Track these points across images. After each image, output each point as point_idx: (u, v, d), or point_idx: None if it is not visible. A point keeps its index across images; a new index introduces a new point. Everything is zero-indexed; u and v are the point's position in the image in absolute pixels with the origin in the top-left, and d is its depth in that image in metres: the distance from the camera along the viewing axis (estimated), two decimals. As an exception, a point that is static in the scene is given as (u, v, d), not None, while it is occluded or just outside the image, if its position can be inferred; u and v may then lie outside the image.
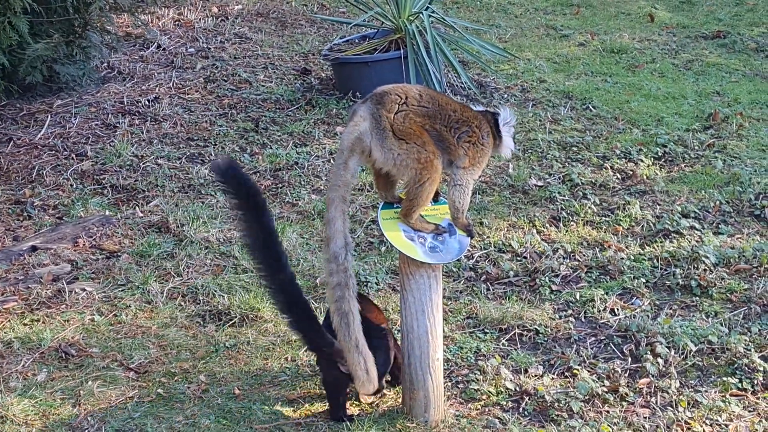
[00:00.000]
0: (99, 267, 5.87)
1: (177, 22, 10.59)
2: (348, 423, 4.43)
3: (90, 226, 6.28)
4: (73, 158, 7.33)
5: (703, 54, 10.14)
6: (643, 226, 6.34)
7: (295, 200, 6.75)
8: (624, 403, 4.61)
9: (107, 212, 6.53)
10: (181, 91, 8.70)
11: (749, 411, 4.53)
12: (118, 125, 7.92)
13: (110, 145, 7.51)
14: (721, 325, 5.21)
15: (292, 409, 4.57)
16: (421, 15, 8.47)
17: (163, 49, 9.76)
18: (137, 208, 6.62)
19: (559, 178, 7.04)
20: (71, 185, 6.92)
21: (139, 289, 5.62)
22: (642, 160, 7.28)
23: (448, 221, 4.44)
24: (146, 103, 8.38)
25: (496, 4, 11.83)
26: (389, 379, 4.69)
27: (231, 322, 5.29)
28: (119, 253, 6.01)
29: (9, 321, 5.29)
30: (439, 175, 4.36)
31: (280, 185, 6.98)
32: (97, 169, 7.17)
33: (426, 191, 4.31)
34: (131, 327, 5.27)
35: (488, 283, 5.77)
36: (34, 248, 6.03)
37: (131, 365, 4.91)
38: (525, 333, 5.26)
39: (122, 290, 5.63)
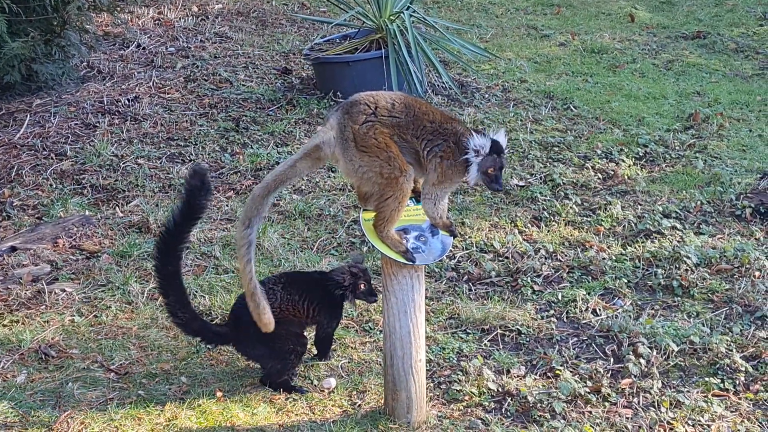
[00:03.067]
0: (79, 267, 5.83)
1: (157, 21, 10.54)
2: (329, 424, 4.41)
3: (70, 226, 6.23)
4: (52, 158, 7.28)
5: (683, 54, 10.17)
6: (624, 226, 6.34)
7: (276, 200, 6.72)
8: (606, 404, 4.61)
9: (87, 212, 6.48)
10: (161, 90, 8.66)
11: (731, 411, 4.53)
12: (97, 125, 7.87)
13: (90, 145, 7.46)
14: (703, 325, 5.21)
15: (274, 410, 4.54)
16: (402, 15, 8.45)
17: (143, 48, 9.71)
18: (117, 208, 6.58)
19: (541, 178, 7.04)
20: (51, 185, 6.88)
21: (119, 290, 5.58)
22: (623, 160, 7.29)
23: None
24: (126, 102, 8.33)
25: (477, 3, 11.83)
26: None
27: (212, 322, 5.26)
28: (99, 254, 5.97)
29: (-12, 322, 5.25)
30: (406, 192, 4.22)
31: (261, 185, 6.94)
32: (77, 168, 7.13)
33: (390, 208, 4.21)
34: (112, 328, 5.23)
35: (470, 284, 5.76)
36: (13, 248, 5.98)
37: (112, 366, 4.87)
38: (507, 333, 5.25)
39: (102, 291, 5.59)
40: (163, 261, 4.61)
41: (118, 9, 9.05)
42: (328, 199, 6.71)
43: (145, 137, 7.71)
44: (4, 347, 5.01)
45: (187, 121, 8.04)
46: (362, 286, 4.79)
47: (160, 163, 7.28)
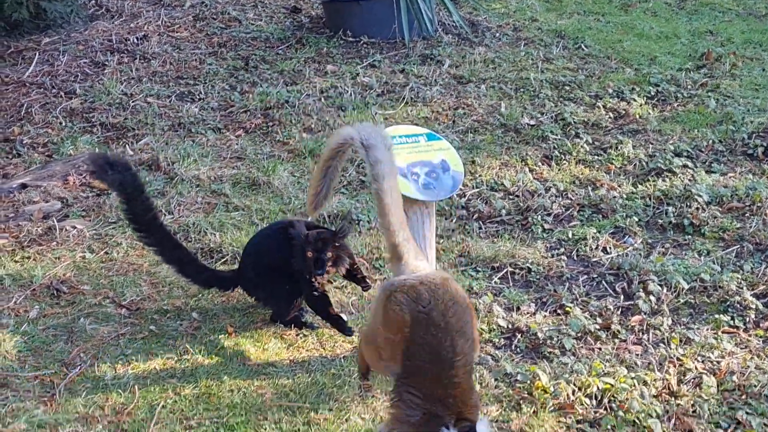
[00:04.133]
0: (89, 205, 5.84)
1: (165, -40, 10.46)
2: (339, 359, 4.42)
3: (80, 164, 6.23)
4: (61, 96, 7.26)
5: (696, -7, 10.08)
6: (635, 165, 6.32)
7: (286, 139, 6.71)
8: (616, 340, 4.61)
9: (97, 150, 6.47)
10: (170, 29, 8.62)
11: (741, 348, 4.54)
12: (106, 63, 7.85)
13: (99, 83, 7.44)
14: (714, 263, 5.21)
15: (285, 346, 4.56)
16: (413, -48, 8.36)
17: (152, -14, 9.66)
18: (127, 146, 6.57)
19: (552, 117, 7.01)
20: (60, 123, 6.87)
21: (130, 227, 5.57)
22: (635, 100, 7.25)
23: (443, 158, 4.40)
24: (135, 41, 8.30)
25: (488, -58, 11.71)
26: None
27: (223, 260, 5.27)
28: (109, 191, 5.97)
29: (0, 258, 5.25)
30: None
31: (271, 124, 6.93)
32: (86, 107, 7.11)
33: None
34: (123, 264, 5.25)
35: (480, 222, 5.75)
36: (23, 186, 5.99)
37: (123, 302, 4.89)
38: (517, 271, 5.25)
39: (113, 228, 5.60)
40: (149, 237, 4.69)
41: (127, -54, 9.00)
42: (338, 138, 6.68)
43: (155, 76, 7.68)
44: (16, 283, 5.02)
45: (196, 59, 8.01)
46: (309, 254, 4.42)
47: (170, 101, 7.26)
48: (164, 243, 4.72)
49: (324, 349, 4.55)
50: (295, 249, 4.47)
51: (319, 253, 4.41)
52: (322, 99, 7.34)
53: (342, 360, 4.44)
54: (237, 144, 6.65)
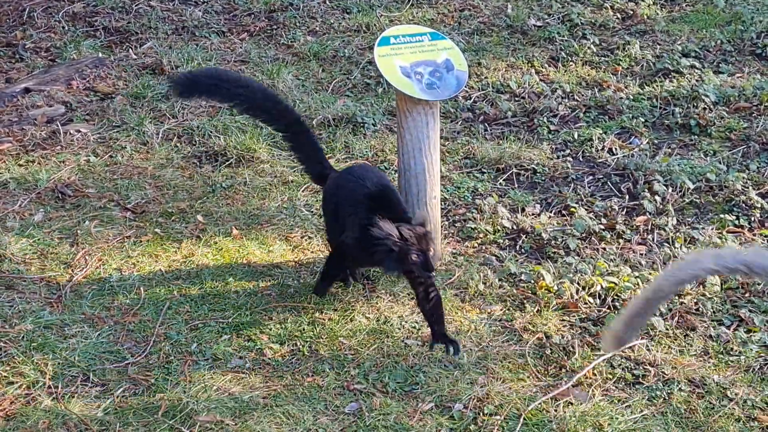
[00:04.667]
0: (93, 109, 5.81)
1: None
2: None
3: (83, 68, 6.20)
4: (64, 0, 7.19)
5: None
6: (642, 66, 6.26)
7: (291, 42, 6.66)
8: (621, 240, 4.61)
9: (100, 54, 6.44)
10: (172, -69, 8.50)
11: (746, 247, 4.53)
12: (109, -34, 7.76)
13: (101, -13, 7.37)
14: (720, 163, 5.18)
15: (290, 248, 4.57)
16: None
17: None
18: (130, 50, 6.53)
19: (559, 18, 6.93)
20: (63, 27, 6.82)
21: (134, 131, 5.57)
22: (643, 0, 7.16)
23: (447, 57, 4.36)
24: (137, -57, 8.19)
25: None
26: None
27: (227, 163, 5.26)
28: (113, 95, 5.95)
29: (4, 162, 5.25)
30: None
31: (275, 27, 6.87)
32: (89, 11, 7.05)
33: None
34: (127, 168, 5.24)
35: (486, 124, 5.72)
36: (27, 90, 5.96)
37: (128, 205, 4.89)
38: (522, 172, 5.24)
39: (117, 132, 5.58)
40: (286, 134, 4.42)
41: None
42: (343, 41, 6.63)
43: (157, -21, 7.61)
44: (21, 186, 5.03)
45: (199, -38, 7.92)
46: (414, 257, 3.79)
47: (173, 5, 7.20)
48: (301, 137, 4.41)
49: (328, 250, 4.55)
50: (382, 249, 3.77)
51: (424, 253, 3.82)
52: (327, 1, 7.26)
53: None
54: (241, 47, 6.60)
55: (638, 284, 4.18)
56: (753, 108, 5.68)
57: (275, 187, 5.08)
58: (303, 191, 5.02)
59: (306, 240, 4.63)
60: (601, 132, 5.51)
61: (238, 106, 4.37)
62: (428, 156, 4.34)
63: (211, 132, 5.51)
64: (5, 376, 3.67)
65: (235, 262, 4.45)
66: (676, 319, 4.02)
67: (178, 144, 5.47)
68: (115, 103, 5.84)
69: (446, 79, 4.31)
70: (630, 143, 5.47)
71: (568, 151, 5.42)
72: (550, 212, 4.87)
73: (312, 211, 4.83)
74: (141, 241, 4.59)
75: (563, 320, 4.04)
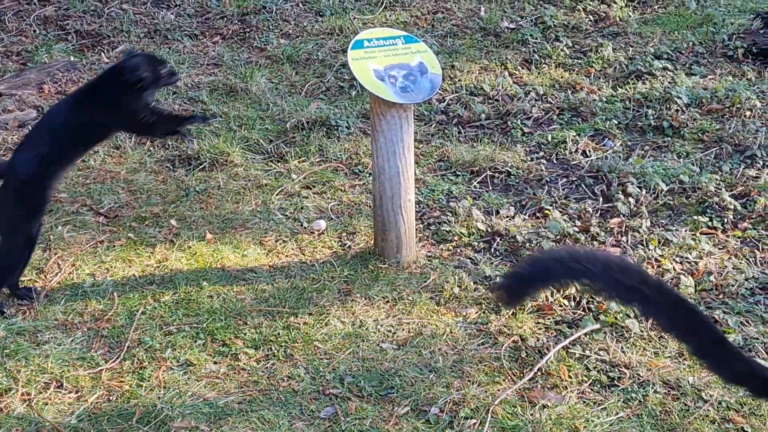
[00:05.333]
0: (65, 113, 5.77)
1: None
2: (319, 265, 4.42)
3: (55, 71, 6.16)
4: (35, 3, 7.15)
5: None
6: (615, 68, 6.28)
7: (264, 45, 6.64)
8: (595, 242, 4.62)
9: (72, 58, 6.40)
10: (144, -66, 8.47)
11: (719, 248, 4.55)
12: (80, -31, 7.71)
13: (73, -10, 7.33)
14: (693, 164, 5.20)
15: (264, 252, 4.56)
16: None
17: None
18: (102, 53, 6.49)
19: (532, 20, 6.95)
20: (34, 31, 6.77)
21: (107, 136, 5.53)
22: (615, 2, 7.19)
23: (420, 61, 4.36)
24: (109, -54, 8.15)
25: None
26: None
27: (201, 167, 5.24)
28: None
29: (-25, 168, 5.21)
30: None
31: (248, 30, 6.85)
32: (61, 14, 7.01)
33: None
34: (100, 172, 5.21)
35: (460, 126, 5.73)
36: (-2, 94, 5.92)
37: (101, 210, 4.86)
38: (497, 175, 5.24)
39: (90, 136, 5.54)
40: None
41: None
42: (316, 44, 6.62)
43: (129, -18, 7.57)
44: (-7, 192, 4.98)
45: (171, -35, 7.89)
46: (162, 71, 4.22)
47: (145, 8, 7.16)
48: None
49: (304, 254, 4.54)
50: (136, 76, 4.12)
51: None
52: (300, 4, 7.25)
53: (322, 265, 4.44)
54: (214, 50, 6.58)
55: (613, 286, 4.18)
56: (725, 110, 5.70)
57: (249, 191, 5.06)
58: (277, 195, 5.00)
59: (280, 244, 4.62)
60: (574, 134, 5.52)
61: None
62: (402, 159, 4.34)
63: (183, 135, 5.47)
64: (-23, 384, 3.64)
65: (209, 266, 4.43)
66: (651, 321, 4.02)
67: (152, 148, 5.44)
68: (87, 107, 5.80)
69: (420, 83, 4.31)
70: (603, 145, 5.48)
71: (542, 154, 5.43)
72: (525, 215, 4.87)
73: (286, 215, 4.82)
74: (114, 246, 4.56)
75: (538, 323, 4.04)
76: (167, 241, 4.62)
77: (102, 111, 4.10)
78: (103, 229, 4.71)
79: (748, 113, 5.64)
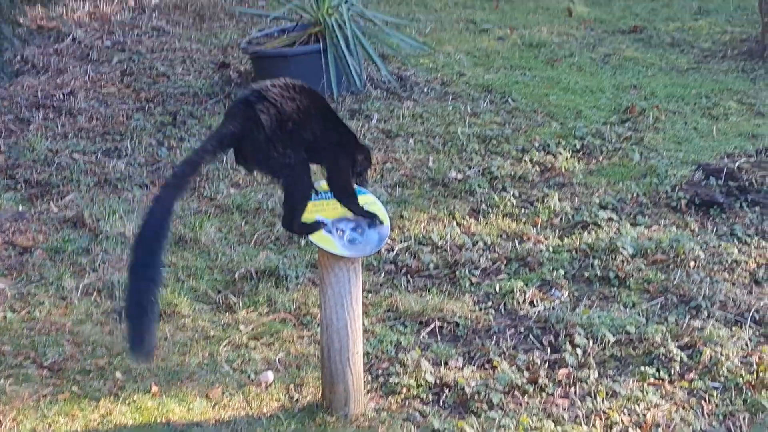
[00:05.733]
0: (12, 263, 5.74)
1: (93, 15, 10.43)
2: (266, 419, 4.36)
3: (2, 221, 6.14)
4: (-16, 153, 7.17)
5: (620, 48, 10.25)
6: (561, 218, 6.37)
7: (214, 194, 6.67)
8: (543, 394, 4.62)
9: (20, 207, 6.39)
10: (97, 84, 8.57)
11: (666, 400, 4.56)
12: (31, 119, 7.77)
13: (24, 140, 7.37)
14: (639, 315, 5.25)
15: (210, 405, 4.50)
16: (340, 8, 8.43)
17: (79, 42, 9.61)
18: (51, 203, 6.49)
19: (479, 170, 7.05)
20: (-17, 180, 6.77)
21: (53, 285, 5.50)
22: (561, 153, 7.32)
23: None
24: (61, 96, 8.24)
25: (416, -3, 11.84)
26: None
27: (148, 318, 5.20)
28: (33, 249, 5.89)
29: None
30: None
31: (198, 179, 6.89)
32: (10, 163, 7.02)
33: None
34: (45, 324, 5.16)
35: (409, 276, 5.75)
36: (-56, 245, 5.89)
37: (45, 363, 4.80)
38: (445, 325, 5.25)
39: (36, 286, 5.51)
40: None
41: (53, 2, 8.95)
42: (266, 193, 6.66)
43: (81, 132, 7.62)
44: (-66, 345, 4.92)
45: (123, 115, 7.96)
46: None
47: (96, 157, 7.20)
48: None
49: (251, 408, 4.50)
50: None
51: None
52: (250, 154, 7.31)
53: (269, 419, 4.39)
54: (164, 200, 6.58)
55: (561, 439, 4.17)
56: (670, 260, 5.78)
57: (196, 343, 5.02)
58: (224, 346, 4.97)
59: (227, 396, 4.57)
60: (522, 284, 5.56)
61: None
62: (350, 311, 4.35)
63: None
64: None
65: (153, 420, 4.37)
66: None
67: (98, 299, 5.41)
68: (34, 258, 5.77)
69: (368, 235, 4.34)
70: (551, 295, 5.52)
71: (490, 304, 5.46)
72: (473, 366, 4.87)
73: (233, 367, 4.78)
74: (57, 400, 4.49)
75: (487, 477, 4.00)
76: (112, 394, 4.56)
77: None
78: (47, 382, 4.64)
79: (692, 264, 5.72)
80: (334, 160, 4.34)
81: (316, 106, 4.27)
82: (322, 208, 4.34)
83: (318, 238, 4.24)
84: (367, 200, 4.44)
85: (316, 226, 4.25)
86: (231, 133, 4.14)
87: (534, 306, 5.41)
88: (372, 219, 4.34)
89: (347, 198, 4.36)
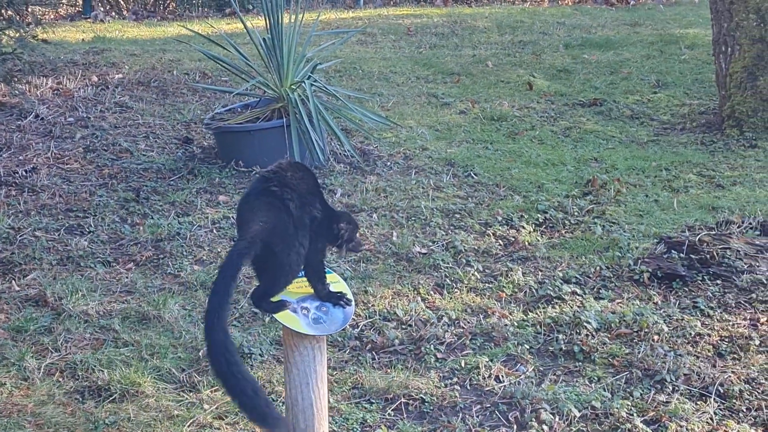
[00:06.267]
0: (-27, 343, 5.69)
1: (56, 91, 10.44)
2: None
3: (-36, 301, 6.09)
4: (-55, 232, 7.12)
5: (580, 121, 10.37)
6: (526, 292, 6.39)
7: (178, 271, 6.65)
8: (510, 471, 4.60)
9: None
10: (59, 161, 8.56)
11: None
12: (-7, 197, 7.74)
13: (-15, 217, 7.33)
14: (604, 390, 5.25)
15: (174, 487, 4.46)
16: (303, 84, 8.50)
17: (42, 118, 9.61)
18: (13, 281, 6.45)
19: (443, 245, 7.08)
20: (-56, 260, 6.72)
21: (14, 366, 5.45)
22: (523, 227, 7.37)
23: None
24: (23, 173, 8.21)
25: (378, 72, 11.94)
26: None
27: (111, 398, 5.16)
28: (-5, 326, 5.84)
29: None
30: None
31: (162, 256, 6.87)
32: (-28, 242, 6.98)
33: None
34: (6, 405, 5.09)
35: (374, 352, 5.74)
36: None
37: (6, 446, 4.74)
38: (411, 402, 5.23)
39: (-4, 367, 5.45)
40: None
41: (16, 79, 8.95)
42: (230, 270, 6.63)
43: (43, 209, 7.60)
44: None
45: (86, 191, 7.95)
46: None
47: (59, 235, 7.17)
48: None
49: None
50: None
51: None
52: (214, 230, 7.32)
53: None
54: (127, 277, 6.57)
55: None
56: (634, 333, 5.80)
57: (160, 423, 4.98)
58: (188, 426, 4.93)
59: (191, 478, 4.52)
60: (487, 359, 5.56)
61: None
62: (316, 390, 4.33)
63: (95, 366, 5.42)
64: None
65: (117, 504, 4.32)
66: None
67: (61, 379, 5.36)
68: (-4, 337, 5.73)
69: (333, 313, 4.33)
70: (516, 370, 5.52)
71: (455, 380, 5.45)
72: (440, 443, 4.85)
73: (198, 447, 4.74)
74: (19, 484, 4.43)
75: None
76: (74, 477, 4.50)
77: None
78: (8, 465, 4.59)
79: (656, 337, 5.75)
80: (316, 240, 4.28)
81: (314, 185, 4.27)
82: (286, 289, 4.33)
83: (283, 316, 4.23)
84: (332, 279, 4.44)
85: (282, 305, 4.24)
86: (264, 230, 4.08)
87: (500, 381, 5.41)
88: (337, 300, 4.33)
89: (318, 279, 4.33)
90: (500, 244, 7.15)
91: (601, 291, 6.40)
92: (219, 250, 6.98)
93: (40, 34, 9.09)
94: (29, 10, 11.30)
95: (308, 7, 11.04)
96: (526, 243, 7.15)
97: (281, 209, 4.09)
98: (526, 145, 9.52)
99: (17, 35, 8.52)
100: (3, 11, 8.76)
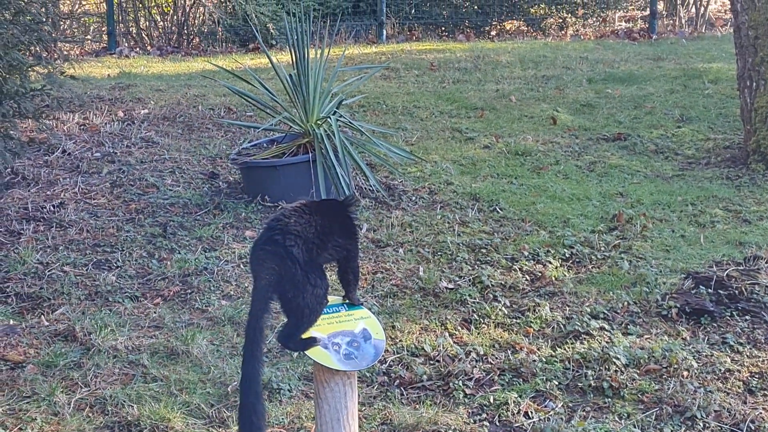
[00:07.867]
0: (2, 379, 5.71)
1: (82, 127, 10.52)
2: None
3: (-8, 336, 6.12)
4: (-25, 265, 7.17)
5: (605, 156, 10.37)
6: (553, 328, 6.38)
7: (205, 306, 6.68)
8: None
9: (11, 321, 6.38)
10: (86, 196, 8.62)
11: None
12: (22, 232, 7.79)
13: (14, 252, 7.37)
14: (634, 426, 5.24)
15: None
16: (328, 119, 8.53)
17: (69, 153, 9.67)
18: (43, 316, 6.48)
19: (469, 280, 7.08)
20: (-27, 296, 6.76)
21: (45, 401, 5.47)
22: (550, 262, 7.37)
23: (364, 327, 4.41)
24: (51, 208, 8.27)
25: (402, 107, 11.98)
26: None
27: (141, 434, 5.17)
28: (24, 364, 5.86)
29: None
30: None
31: (189, 291, 6.90)
32: (1, 277, 7.02)
33: None
34: (37, 441, 5.12)
35: (402, 388, 5.74)
36: (-66, 360, 5.85)
37: (37, 481, 4.75)
38: (440, 438, 5.22)
39: (27, 402, 5.47)
40: None
41: (44, 115, 9.01)
42: (258, 305, 6.65)
43: (71, 244, 7.64)
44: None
45: (113, 227, 7.99)
46: None
47: (87, 270, 7.20)
48: None
49: None
50: None
51: None
52: (241, 265, 7.34)
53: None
54: (155, 312, 6.59)
55: None
56: (663, 370, 5.78)
57: (190, 458, 4.99)
58: (218, 462, 4.93)
59: None
60: (516, 395, 5.55)
61: None
62: (346, 426, 4.34)
63: (124, 401, 5.43)
64: None
65: None
66: None
67: (91, 414, 5.37)
68: (25, 373, 5.74)
69: (364, 349, 4.35)
70: (545, 406, 5.51)
71: (484, 416, 5.44)
72: (470, 480, 4.84)
73: (228, 483, 4.74)
74: None
75: None
76: None
77: None
78: (39, 501, 4.59)
79: (685, 373, 5.73)
80: (355, 254, 4.49)
81: (331, 221, 4.34)
82: (317, 324, 4.35)
83: (314, 352, 4.25)
84: (363, 314, 4.46)
85: (312, 342, 4.26)
86: (271, 282, 4.22)
87: (529, 417, 5.39)
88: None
89: (357, 282, 4.56)
90: (527, 279, 7.15)
91: (629, 327, 6.38)
92: (246, 285, 6.99)
93: (67, 70, 9.14)
94: (57, 46, 11.42)
95: (332, 43, 11.08)
96: (553, 278, 7.15)
97: (284, 257, 4.18)
98: (550, 179, 9.52)
99: (46, 72, 8.57)
100: (32, 48, 8.82)
